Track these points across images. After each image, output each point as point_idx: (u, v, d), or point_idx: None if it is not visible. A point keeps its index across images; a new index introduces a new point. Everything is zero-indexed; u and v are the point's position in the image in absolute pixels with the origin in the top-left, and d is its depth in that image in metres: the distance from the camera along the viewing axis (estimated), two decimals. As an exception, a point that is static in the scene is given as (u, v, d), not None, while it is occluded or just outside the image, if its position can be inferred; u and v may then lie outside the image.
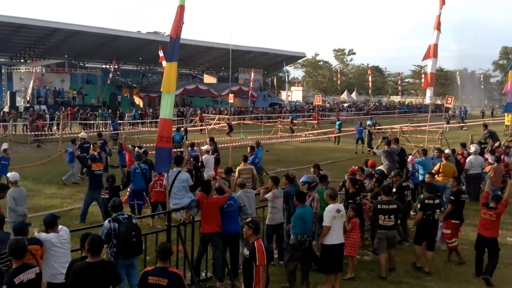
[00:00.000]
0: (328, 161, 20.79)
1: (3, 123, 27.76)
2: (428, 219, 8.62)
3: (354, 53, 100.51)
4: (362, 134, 24.67)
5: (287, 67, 64.58)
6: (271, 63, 74.95)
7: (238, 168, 12.15)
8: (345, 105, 67.44)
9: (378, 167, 12.03)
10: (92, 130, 28.38)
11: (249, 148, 14.39)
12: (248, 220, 6.43)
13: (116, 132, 25.67)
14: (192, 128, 31.83)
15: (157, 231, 8.22)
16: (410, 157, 13.18)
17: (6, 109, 33.25)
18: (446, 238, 9.26)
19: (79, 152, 14.25)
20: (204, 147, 13.94)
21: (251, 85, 49.86)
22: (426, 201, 8.69)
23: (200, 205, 7.82)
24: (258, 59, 70.49)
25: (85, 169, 13.55)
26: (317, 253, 8.02)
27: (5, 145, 15.16)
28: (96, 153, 14.02)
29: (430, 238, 8.73)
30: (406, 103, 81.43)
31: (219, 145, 22.95)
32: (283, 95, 68.68)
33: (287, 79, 58.83)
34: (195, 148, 14.54)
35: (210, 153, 13.51)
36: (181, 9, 7.61)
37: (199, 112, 39.78)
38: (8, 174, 9.52)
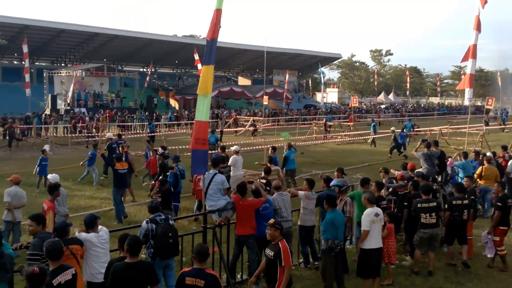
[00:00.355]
0: (365, 163, 20.43)
1: (45, 125, 28.65)
2: (455, 220, 8.56)
3: (391, 54, 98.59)
4: (405, 140, 24.34)
5: (322, 68, 64.05)
6: (306, 64, 74.51)
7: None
8: (382, 106, 66.29)
9: (417, 170, 11.72)
10: (129, 132, 28.97)
11: (270, 149, 14.39)
12: (271, 221, 6.33)
13: (152, 134, 26.07)
14: (227, 130, 31.94)
15: (193, 232, 8.23)
16: (449, 160, 12.79)
17: (47, 111, 34.33)
18: (496, 246, 8.89)
19: (106, 152, 14.50)
20: (233, 148, 13.89)
21: (285, 87, 49.62)
22: (454, 202, 8.61)
23: (235, 207, 7.77)
24: (293, 61, 70.22)
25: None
26: (354, 257, 7.87)
27: (46, 146, 15.67)
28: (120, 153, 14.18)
29: (460, 237, 8.71)
30: (446, 104, 79.37)
31: (255, 147, 23.10)
32: (318, 96, 68.17)
33: (322, 80, 58.25)
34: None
35: (238, 154, 13.42)
36: (218, 12, 7.66)
37: (234, 114, 39.93)
38: (48, 176, 9.78)
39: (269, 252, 6.17)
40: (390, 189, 9.93)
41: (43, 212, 7.93)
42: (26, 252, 6.01)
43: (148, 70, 50.04)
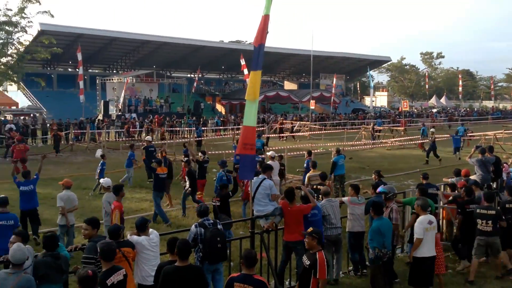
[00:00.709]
0: (416, 169, 19.69)
1: (98, 130, 29.60)
2: (508, 224, 8.36)
3: (442, 57, 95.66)
4: (459, 143, 23.60)
5: (371, 72, 62.79)
6: (354, 68, 73.53)
7: (308, 174, 12.10)
8: (434, 110, 64.21)
9: (471, 177, 11.16)
10: (178, 137, 29.40)
11: (306, 153, 14.27)
12: (309, 230, 6.24)
13: (199, 138, 26.35)
14: (273, 135, 31.80)
15: (241, 237, 8.19)
16: (505, 166, 12.17)
17: (100, 117, 35.51)
18: None
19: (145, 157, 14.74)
20: (269, 153, 13.91)
21: (333, 91, 49.04)
22: (507, 205, 8.51)
23: (283, 213, 7.67)
24: (340, 64, 69.41)
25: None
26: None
27: (99, 152, 16.07)
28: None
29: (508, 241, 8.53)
30: (500, 108, 75.92)
31: (300, 152, 22.82)
32: (367, 100, 66.92)
33: (371, 84, 57.16)
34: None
35: (274, 159, 13.30)
36: (265, 18, 7.66)
37: (280, 118, 39.75)
38: (101, 180, 9.93)
39: (305, 260, 6.11)
40: (451, 198, 9.54)
41: (111, 212, 8.16)
42: (81, 254, 6.13)
43: (196, 75, 50.86)
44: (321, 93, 56.40)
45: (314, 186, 10.36)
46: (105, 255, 5.22)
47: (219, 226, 6.93)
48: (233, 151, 16.63)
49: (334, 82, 49.80)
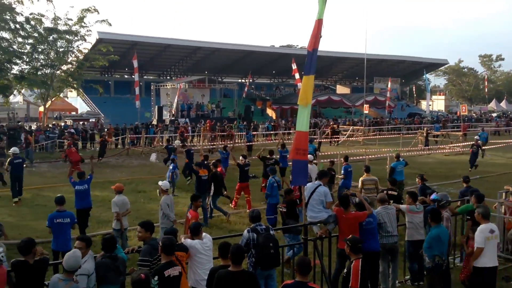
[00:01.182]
0: (476, 176, 18.63)
1: (152, 135, 30.19)
2: None
3: (502, 59, 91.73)
4: None
5: (427, 75, 60.76)
6: (410, 71, 71.67)
7: (361, 178, 12.01)
8: (494, 114, 61.16)
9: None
10: (228, 142, 29.41)
11: (343, 159, 14.27)
12: (348, 237, 6.24)
13: (250, 143, 26.28)
14: (325, 140, 31.23)
15: (294, 243, 8.18)
16: None
17: (154, 122, 36.31)
18: None
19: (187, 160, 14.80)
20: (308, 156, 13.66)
21: (388, 95, 47.73)
22: None
23: (338, 220, 7.56)
24: (395, 68, 67.77)
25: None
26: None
27: (153, 155, 16.33)
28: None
29: None
30: None
31: (356, 157, 22.27)
32: (423, 104, 64.80)
33: (427, 87, 55.16)
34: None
35: (312, 163, 13.11)
36: (319, 23, 7.65)
37: (331, 123, 39.06)
38: (160, 183, 10.10)
39: (345, 269, 6.19)
40: None
41: (187, 221, 8.40)
42: (137, 256, 6.31)
43: (247, 80, 51.07)
44: (375, 97, 55.22)
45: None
46: (165, 248, 5.47)
47: (272, 232, 6.90)
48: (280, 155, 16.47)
49: (389, 86, 48.47)
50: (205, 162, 13.63)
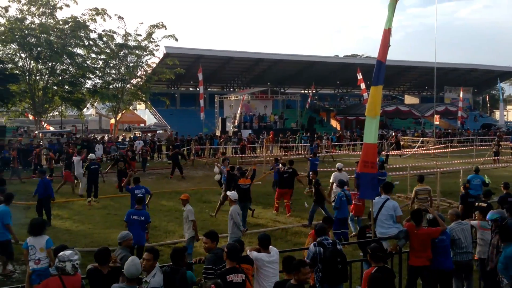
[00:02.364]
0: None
1: (215, 146, 30.40)
2: None
3: None
4: None
5: (501, 84, 57.29)
6: (482, 80, 68.30)
7: (415, 188, 11.93)
8: None
9: None
10: (291, 153, 28.99)
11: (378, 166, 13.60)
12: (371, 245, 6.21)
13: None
14: (393, 152, 29.97)
15: (362, 259, 7.95)
16: None
17: (217, 133, 36.68)
18: None
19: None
20: (337, 165, 14.37)
21: (460, 105, 45.39)
22: None
23: (409, 236, 7.29)
24: (466, 76, 64.73)
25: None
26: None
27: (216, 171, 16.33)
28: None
29: None
30: None
31: (426, 170, 21.11)
32: (497, 114, 61.15)
33: (501, 97, 52.02)
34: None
35: (341, 171, 13.66)
36: (387, 32, 7.65)
37: (393, 134, 37.34)
38: (228, 193, 10.11)
39: None
40: None
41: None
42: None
43: (310, 91, 50.55)
44: (446, 107, 52.83)
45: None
46: (230, 253, 5.54)
47: (339, 247, 6.75)
48: (352, 168, 15.99)
49: (461, 95, 46.07)
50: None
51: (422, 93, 71.95)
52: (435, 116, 37.55)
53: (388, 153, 26.64)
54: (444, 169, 20.71)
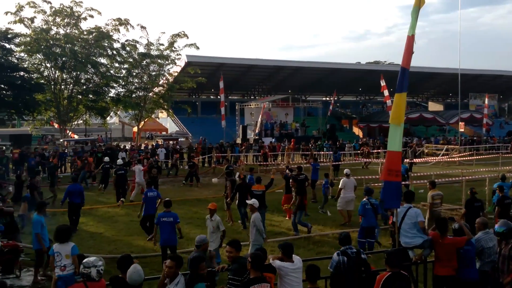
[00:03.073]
0: None
1: (236, 154, 30.40)
2: None
3: None
4: None
5: (527, 90, 56.13)
6: (508, 86, 67.06)
7: (430, 194, 11.87)
8: None
9: None
10: (312, 161, 28.70)
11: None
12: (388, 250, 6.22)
13: (338, 163, 25.41)
14: (418, 160, 29.44)
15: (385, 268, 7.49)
16: None
17: (238, 141, 36.70)
18: None
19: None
20: (345, 171, 14.74)
21: (485, 111, 44.51)
22: None
23: (434, 246, 7.18)
24: (491, 83, 63.59)
25: None
26: None
27: (237, 174, 16.26)
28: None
29: None
30: None
31: (451, 178, 20.71)
32: (524, 121, 59.84)
33: (527, 103, 50.93)
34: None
35: (349, 177, 14.07)
36: (410, 39, 7.62)
37: (414, 141, 36.69)
38: (249, 201, 10.01)
39: None
40: None
41: None
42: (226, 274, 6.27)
43: (332, 98, 50.30)
44: (471, 114, 52.06)
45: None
46: (254, 263, 5.40)
47: (363, 256, 6.67)
48: (375, 176, 15.77)
49: (486, 102, 45.30)
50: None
51: (446, 100, 70.95)
52: (460, 123, 36.86)
53: (412, 160, 26.16)
54: (470, 177, 20.34)
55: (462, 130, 37.79)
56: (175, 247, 9.39)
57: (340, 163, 26.02)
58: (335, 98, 53.05)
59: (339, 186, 13.95)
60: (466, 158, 31.17)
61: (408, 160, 25.14)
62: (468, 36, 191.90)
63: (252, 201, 9.71)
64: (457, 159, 30.74)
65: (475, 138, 45.48)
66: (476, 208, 10.56)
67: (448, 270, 6.96)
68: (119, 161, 18.16)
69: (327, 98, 60.72)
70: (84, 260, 5.46)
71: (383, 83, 34.70)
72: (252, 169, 16.93)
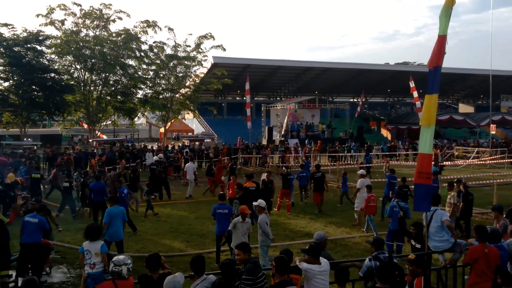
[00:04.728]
0: None
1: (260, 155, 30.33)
2: None
3: None
4: None
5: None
6: (543, 87, 64.54)
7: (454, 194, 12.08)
8: None
9: None
10: (340, 163, 28.42)
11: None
12: (411, 256, 6.03)
13: (369, 165, 25.16)
14: (447, 163, 28.81)
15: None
16: None
17: (264, 142, 36.61)
18: None
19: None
20: (359, 172, 15.02)
21: (517, 114, 43.17)
22: None
23: (475, 259, 6.72)
24: (524, 84, 61.61)
25: None
26: None
27: (263, 176, 16.22)
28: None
29: None
30: None
31: (482, 181, 20.21)
32: (559, 124, 57.73)
33: (563, 105, 49.30)
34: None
35: (365, 177, 14.48)
36: (442, 39, 7.57)
37: (441, 145, 35.87)
38: (255, 202, 9.86)
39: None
40: None
41: None
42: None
43: (359, 100, 49.74)
44: (503, 116, 50.81)
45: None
46: (278, 267, 5.33)
47: (395, 260, 6.64)
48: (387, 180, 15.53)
49: (518, 104, 43.96)
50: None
51: (477, 102, 69.39)
52: (491, 125, 35.89)
53: (442, 164, 25.63)
54: (501, 180, 19.80)
55: (493, 132, 36.78)
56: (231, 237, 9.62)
57: (371, 165, 25.73)
58: (363, 100, 52.49)
59: (357, 186, 14.20)
60: (497, 161, 30.39)
61: (440, 163, 24.65)
62: (500, 36, 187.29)
63: (259, 202, 9.70)
64: (488, 162, 29.99)
65: (506, 140, 44.22)
66: (470, 201, 12.18)
67: (488, 285, 6.49)
68: (155, 158, 19.42)
69: (355, 100, 60.15)
70: (114, 258, 5.53)
71: (412, 84, 34.13)
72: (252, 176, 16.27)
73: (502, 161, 30.14)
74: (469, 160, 30.65)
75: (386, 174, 17.16)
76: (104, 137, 39.54)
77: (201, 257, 5.78)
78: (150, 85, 36.01)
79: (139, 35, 33.88)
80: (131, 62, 34.75)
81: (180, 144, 34.92)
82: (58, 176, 17.53)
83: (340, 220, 14.32)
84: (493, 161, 30.28)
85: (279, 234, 12.55)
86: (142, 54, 34.38)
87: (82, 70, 33.08)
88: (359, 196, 13.82)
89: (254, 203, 9.83)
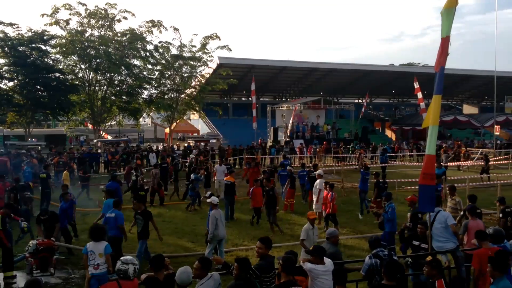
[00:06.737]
0: None
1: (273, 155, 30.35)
2: None
3: None
4: None
5: None
6: (547, 88, 64.10)
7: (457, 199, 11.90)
8: None
9: None
10: (344, 163, 28.36)
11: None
12: (428, 258, 5.97)
13: (384, 164, 25.24)
14: (451, 164, 28.68)
15: (417, 273, 7.58)
16: None
17: (269, 143, 36.59)
18: None
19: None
20: (317, 171, 15.21)
21: (521, 115, 42.95)
22: None
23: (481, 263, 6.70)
24: (529, 85, 61.24)
25: None
26: None
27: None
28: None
29: None
30: None
31: (486, 182, 20.10)
32: None
33: None
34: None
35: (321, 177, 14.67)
36: (445, 40, 7.59)
37: (443, 146, 35.61)
38: (209, 199, 10.42)
39: None
40: None
41: None
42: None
43: (364, 101, 49.63)
44: (507, 117, 50.64)
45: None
46: (286, 267, 5.36)
47: (395, 258, 6.76)
48: (408, 180, 15.47)
49: (522, 105, 43.74)
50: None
51: (481, 103, 69.08)
52: (495, 126, 35.72)
53: (446, 164, 25.51)
54: (505, 181, 19.76)
55: (498, 133, 36.58)
56: None
57: (386, 164, 25.72)
58: (368, 100, 52.36)
59: (317, 187, 14.30)
60: (502, 162, 30.26)
61: (442, 164, 24.52)
62: (505, 37, 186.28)
63: (212, 199, 10.21)
64: (492, 163, 29.83)
65: (510, 142, 44.00)
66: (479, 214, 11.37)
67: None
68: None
69: (360, 100, 59.99)
70: (122, 257, 5.57)
71: (416, 85, 33.98)
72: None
73: (506, 162, 30.03)
74: (473, 161, 30.41)
75: (360, 171, 17.03)
76: (109, 137, 39.64)
77: (206, 258, 5.82)
78: (155, 85, 36.06)
79: (144, 35, 33.95)
80: (136, 62, 34.84)
81: (186, 145, 34.96)
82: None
83: (344, 220, 14.30)
84: (497, 162, 30.12)
85: (284, 234, 12.61)
86: (147, 54, 34.43)
87: (87, 70, 33.18)
88: (319, 197, 13.87)
89: (208, 200, 10.41)
